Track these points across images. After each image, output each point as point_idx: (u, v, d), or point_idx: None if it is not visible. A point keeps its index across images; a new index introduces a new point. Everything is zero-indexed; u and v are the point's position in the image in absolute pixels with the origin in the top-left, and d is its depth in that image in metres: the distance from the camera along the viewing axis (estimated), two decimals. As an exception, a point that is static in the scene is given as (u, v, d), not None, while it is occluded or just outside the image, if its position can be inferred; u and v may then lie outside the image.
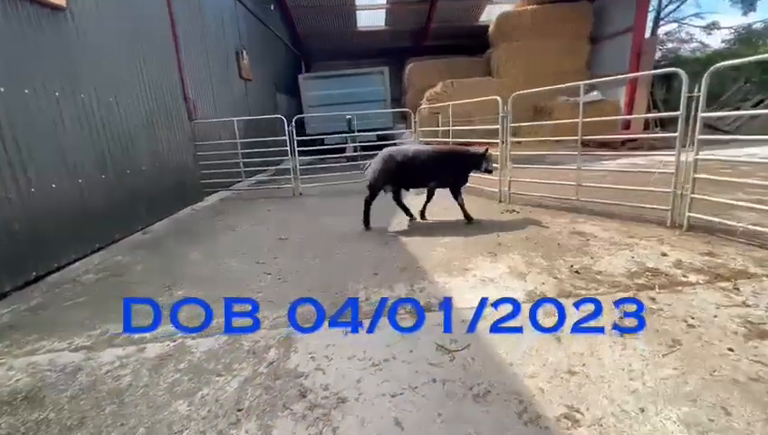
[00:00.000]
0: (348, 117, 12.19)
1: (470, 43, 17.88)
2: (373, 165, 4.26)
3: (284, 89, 13.60)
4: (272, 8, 12.47)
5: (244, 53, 9.68)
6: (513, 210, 4.63)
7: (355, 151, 11.99)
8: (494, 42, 15.49)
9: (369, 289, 2.75)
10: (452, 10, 16.62)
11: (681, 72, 3.35)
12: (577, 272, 2.77)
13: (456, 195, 4.34)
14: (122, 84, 4.91)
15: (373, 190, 4.32)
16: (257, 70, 11.08)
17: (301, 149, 6.75)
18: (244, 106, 9.64)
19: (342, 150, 11.71)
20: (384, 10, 16.24)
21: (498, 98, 5.01)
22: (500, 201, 5.14)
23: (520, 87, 15.13)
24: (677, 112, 3.38)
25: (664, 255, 2.96)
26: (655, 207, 3.72)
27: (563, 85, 4.75)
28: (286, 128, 6.56)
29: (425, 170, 4.25)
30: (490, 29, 15.64)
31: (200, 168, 6.89)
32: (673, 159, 3.50)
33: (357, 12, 16.21)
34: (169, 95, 6.05)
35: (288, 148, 6.65)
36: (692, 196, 3.40)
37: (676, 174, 3.48)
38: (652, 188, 3.89)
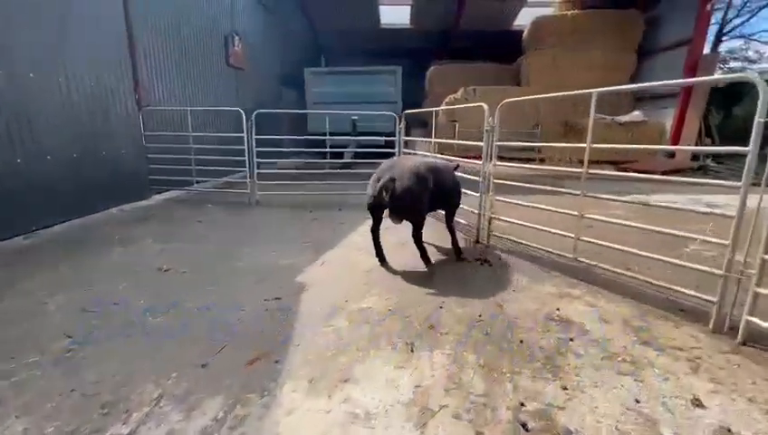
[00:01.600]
0: (353, 118, 11.22)
1: (500, 49, 16.43)
2: (408, 184, 2.87)
3: (295, 84, 12.70)
4: (282, -4, 11.63)
5: (237, 39, 8.83)
6: (486, 260, 3.35)
7: (352, 157, 10.96)
8: (527, 48, 14.01)
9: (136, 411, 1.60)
10: (483, 11, 15.26)
11: (756, 78, 2.01)
12: (525, 428, 1.50)
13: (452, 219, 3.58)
14: (25, 55, 4.04)
15: (420, 221, 3.11)
16: (257, 60, 10.24)
17: (261, 150, 5.72)
18: (230, 97, 8.78)
19: (340, 155, 10.68)
20: (409, 7, 15.11)
21: (484, 106, 3.75)
22: (476, 241, 3.87)
23: (552, 99, 13.46)
24: (747, 148, 2.03)
25: (696, 403, 1.64)
26: (692, 293, 2.35)
27: (586, 91, 3.38)
28: (244, 123, 5.54)
29: (448, 190, 3.42)
30: (524, 34, 14.18)
31: (149, 161, 6.02)
32: (729, 212, 2.15)
33: (380, 7, 15.17)
34: (110, 75, 5.18)
35: (245, 147, 5.63)
36: (757, 289, 2.04)
37: (733, 245, 2.12)
38: (692, 249, 2.51)
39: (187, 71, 7.09)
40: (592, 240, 2.91)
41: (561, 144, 11.46)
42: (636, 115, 11.77)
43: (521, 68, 14.30)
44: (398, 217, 2.92)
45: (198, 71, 7.49)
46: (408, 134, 15.45)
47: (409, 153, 5.89)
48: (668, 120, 11.61)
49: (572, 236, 2.98)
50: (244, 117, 5.54)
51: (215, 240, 3.97)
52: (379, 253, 3.26)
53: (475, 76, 15.17)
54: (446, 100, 13.64)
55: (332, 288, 2.80)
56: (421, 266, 3.17)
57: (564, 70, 13.24)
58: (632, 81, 13.15)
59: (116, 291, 2.72)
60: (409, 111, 5.66)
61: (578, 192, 2.96)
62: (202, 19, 7.53)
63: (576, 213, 2.97)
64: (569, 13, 13.04)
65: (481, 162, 3.80)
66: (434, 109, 4.70)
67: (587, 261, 2.92)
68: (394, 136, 6.22)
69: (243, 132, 5.59)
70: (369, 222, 3.37)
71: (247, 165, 5.71)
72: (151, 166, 6.03)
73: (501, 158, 3.74)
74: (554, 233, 3.19)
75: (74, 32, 4.61)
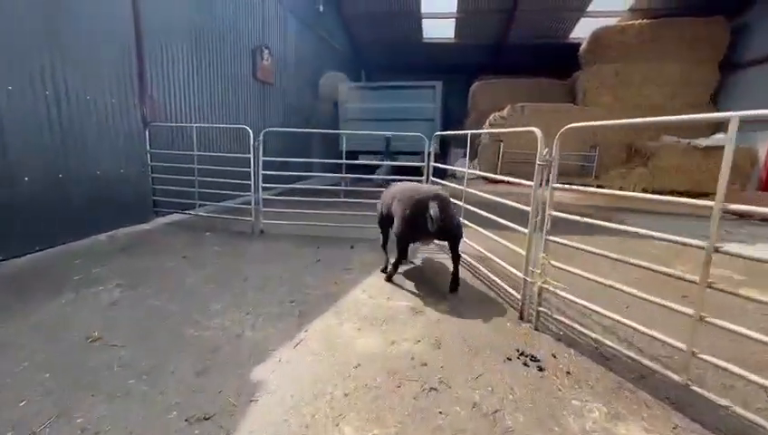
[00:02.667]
0: (387, 136, 10.45)
1: (553, 64, 15.10)
2: (449, 206, 3.19)
3: (332, 99, 12.21)
4: (320, 9, 11.25)
5: (266, 53, 8.41)
6: (532, 356, 2.27)
7: (386, 175, 10.15)
8: (585, 62, 12.61)
9: None
10: (536, 23, 14.07)
11: None
12: None
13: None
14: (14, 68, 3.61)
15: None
16: (288, 75, 9.82)
17: (267, 173, 5.01)
18: (255, 112, 8.31)
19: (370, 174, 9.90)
20: (453, 20, 14.28)
21: (537, 133, 2.72)
22: (520, 318, 2.79)
23: (612, 119, 11.95)
24: None
25: None
26: None
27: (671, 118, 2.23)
28: (251, 142, 4.87)
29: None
30: (582, 47, 12.82)
31: (154, 181, 5.53)
32: None
33: (423, 20, 14.48)
34: (109, 88, 4.74)
35: (251, 169, 4.95)
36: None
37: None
38: None
39: (208, 84, 6.66)
40: (718, 362, 1.75)
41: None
42: (718, 139, 9.98)
43: (576, 84, 12.88)
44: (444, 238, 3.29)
45: (222, 85, 7.06)
46: (445, 155, 14.56)
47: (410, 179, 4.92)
48: (762, 145, 9.69)
49: (683, 347, 1.83)
50: (251, 135, 4.88)
51: (185, 289, 3.21)
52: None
53: (523, 93, 13.95)
54: (490, 118, 12.54)
55: (294, 400, 1.87)
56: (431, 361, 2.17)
57: (629, 86, 11.68)
58: (713, 99, 11.33)
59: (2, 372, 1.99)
60: (442, 132, 4.71)
61: (693, 241, 1.80)
62: (228, 31, 7.13)
63: (693, 280, 1.84)
64: (636, 22, 11.53)
65: (531, 186, 2.73)
66: (468, 132, 3.72)
67: (715, 399, 1.75)
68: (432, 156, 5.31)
69: (250, 153, 4.92)
70: (380, 272, 3.53)
71: (252, 189, 5.02)
72: (157, 187, 5.54)
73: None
74: (648, 332, 2.04)
75: (66, 41, 4.19)
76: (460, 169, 4.29)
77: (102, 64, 4.61)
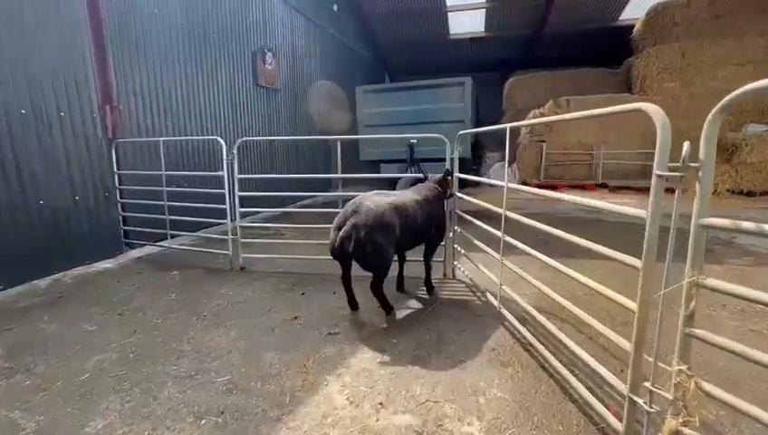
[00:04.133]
0: (410, 142, 9.25)
1: (600, 51, 13.32)
2: (370, 233, 2.55)
3: (351, 105, 11.20)
4: (334, 8, 10.32)
5: (269, 56, 7.52)
6: None
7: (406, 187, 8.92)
8: (641, 45, 10.83)
9: None
10: (579, 5, 12.40)
11: None
12: None
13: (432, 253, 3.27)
14: None
15: (382, 272, 2.74)
16: (299, 80, 8.91)
17: (243, 194, 3.95)
18: (260, 122, 7.41)
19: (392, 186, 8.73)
20: (483, 11, 12.91)
21: (654, 110, 1.37)
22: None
23: (679, 109, 10.11)
24: None
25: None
26: None
27: None
28: (224, 157, 3.85)
29: (425, 227, 3.03)
30: (636, 28, 11.06)
31: (127, 208, 4.67)
32: None
33: (448, 14, 13.23)
34: (60, 100, 3.91)
35: (225, 190, 3.92)
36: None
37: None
38: None
39: (198, 93, 5.80)
40: None
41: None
42: (830, 125, 7.92)
43: (631, 71, 11.06)
44: (362, 267, 2.69)
45: (216, 92, 6.19)
46: (480, 158, 13.07)
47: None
48: None
49: None
50: (223, 148, 3.85)
51: (74, 381, 2.15)
52: (351, 300, 2.95)
53: (565, 86, 12.27)
54: (530, 116, 11.00)
55: None
56: None
57: (699, 67, 9.76)
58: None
59: None
60: (467, 130, 3.42)
61: None
62: (222, 32, 6.27)
63: None
64: (707, -8, 9.65)
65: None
66: (506, 125, 2.45)
67: None
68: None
69: (223, 170, 3.89)
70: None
71: (228, 215, 3.98)
72: (129, 214, 4.67)
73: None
74: None
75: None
76: (495, 180, 3.00)
77: (44, 71, 3.77)
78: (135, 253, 4.66)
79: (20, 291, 3.50)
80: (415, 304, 3.12)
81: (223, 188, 3.93)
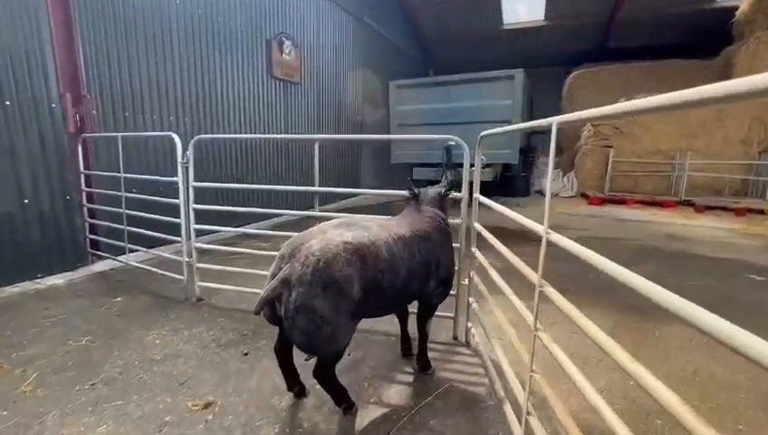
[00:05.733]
0: (448, 144, 8.07)
1: (688, 41, 11.15)
2: (317, 292, 1.55)
3: (384, 102, 10.18)
4: (368, -6, 9.37)
5: (287, 44, 6.74)
6: None
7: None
8: (746, 30, 8.72)
9: None
10: (664, -14, 10.38)
11: None
12: None
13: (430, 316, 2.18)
14: None
15: (327, 356, 1.72)
16: (328, 73, 8.08)
17: (198, 207, 3.09)
18: (271, 118, 6.65)
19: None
20: (543, -4, 11.28)
21: None
22: None
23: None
24: None
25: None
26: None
27: None
28: (179, 156, 3.01)
29: (413, 278, 1.90)
30: (741, 9, 8.97)
31: (97, 214, 4.05)
32: None
33: (502, 2, 11.75)
34: (4, 87, 3.32)
35: (180, 198, 3.09)
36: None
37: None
38: None
39: (194, 82, 5.12)
40: None
41: None
42: None
43: (732, 61, 8.91)
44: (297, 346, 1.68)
45: (219, 83, 5.49)
46: (530, 165, 11.43)
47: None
48: None
49: None
50: (178, 147, 3.02)
51: None
52: (291, 381, 1.92)
53: (644, 80, 10.37)
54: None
55: None
56: None
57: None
58: None
59: None
60: (489, 131, 2.24)
61: None
62: (224, 12, 5.55)
63: None
64: None
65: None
66: (552, 119, 1.34)
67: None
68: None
69: (177, 175, 3.06)
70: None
71: (183, 233, 3.14)
72: (99, 221, 4.04)
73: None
74: None
75: None
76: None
77: (-15, 50, 3.19)
78: (98, 266, 4.02)
79: (-67, 313, 2.92)
80: (399, 392, 2.03)
81: (177, 198, 3.11)
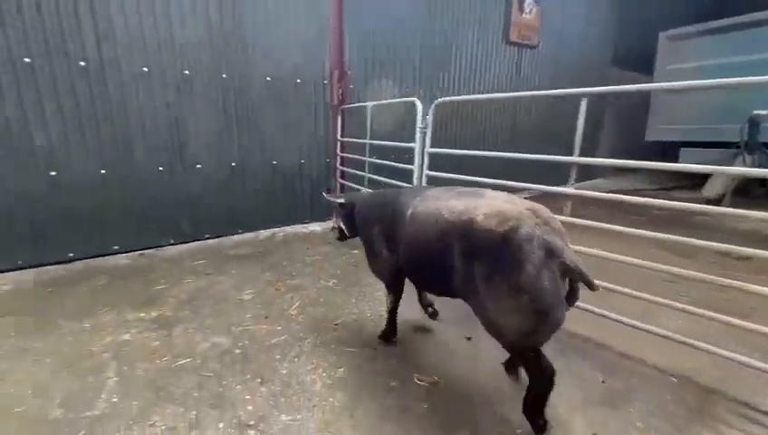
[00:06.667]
0: (753, 114, 5.70)
1: None
2: None
3: (645, 63, 7.98)
4: None
5: (528, 1, 5.99)
6: None
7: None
8: None
9: None
10: None
11: None
12: None
13: None
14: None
15: None
16: (572, 31, 6.88)
17: (431, 174, 3.00)
18: (505, 88, 6.15)
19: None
20: None
21: None
22: None
23: None
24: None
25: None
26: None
27: None
28: (418, 121, 3.00)
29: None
30: None
31: (343, 176, 4.74)
32: None
33: None
34: (298, 65, 4.13)
35: (415, 163, 3.10)
36: None
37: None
38: None
39: (432, 53, 5.19)
40: None
41: None
42: None
43: None
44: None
45: (451, 52, 5.41)
46: None
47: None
48: None
49: None
50: (419, 110, 3.01)
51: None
52: None
53: None
54: None
55: None
56: None
57: None
58: None
59: None
60: None
61: None
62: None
63: None
64: None
65: None
66: None
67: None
68: None
69: (415, 141, 3.08)
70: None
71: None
72: (345, 182, 4.72)
73: None
74: None
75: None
76: None
77: (288, 39, 4.00)
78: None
79: (241, 239, 4.03)
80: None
81: (412, 164, 3.14)
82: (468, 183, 2.14)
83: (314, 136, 4.43)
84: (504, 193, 1.49)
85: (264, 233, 4.20)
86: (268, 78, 3.98)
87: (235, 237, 4.04)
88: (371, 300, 2.64)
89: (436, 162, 3.01)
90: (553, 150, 2.43)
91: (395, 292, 2.03)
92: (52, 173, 3.09)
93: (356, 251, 3.58)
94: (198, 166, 3.77)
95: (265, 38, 3.87)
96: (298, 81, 4.17)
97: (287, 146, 4.27)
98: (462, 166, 2.78)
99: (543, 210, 1.35)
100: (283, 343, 2.12)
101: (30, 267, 3.09)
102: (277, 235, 4.18)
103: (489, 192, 1.51)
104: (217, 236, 3.98)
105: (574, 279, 1.29)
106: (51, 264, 3.17)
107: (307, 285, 2.86)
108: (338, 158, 4.64)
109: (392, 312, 2.07)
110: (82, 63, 3.06)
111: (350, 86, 4.56)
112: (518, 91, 6.32)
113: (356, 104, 4.47)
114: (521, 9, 5.95)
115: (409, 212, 1.67)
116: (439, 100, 2.89)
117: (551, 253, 1.22)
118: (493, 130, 6.16)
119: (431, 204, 1.59)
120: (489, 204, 1.38)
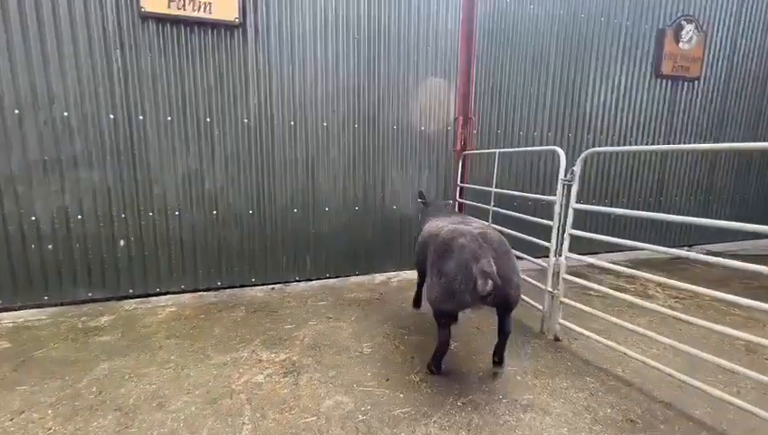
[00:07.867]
0: None
1: None
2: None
3: None
4: None
5: (687, 29, 5.17)
6: None
7: None
8: None
9: None
10: None
11: None
12: None
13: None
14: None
15: None
16: (746, 62, 5.75)
17: (574, 232, 2.59)
18: (651, 130, 5.34)
19: None
20: None
21: None
22: None
23: None
24: None
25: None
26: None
27: None
28: (561, 173, 2.68)
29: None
30: None
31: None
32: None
33: None
34: (423, 112, 4.20)
35: (554, 220, 2.75)
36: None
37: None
38: None
39: (567, 93, 4.80)
40: None
41: None
42: None
43: None
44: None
45: (587, 93, 4.92)
46: None
47: None
48: None
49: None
50: (562, 160, 2.69)
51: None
52: None
53: None
54: None
55: None
56: None
57: None
58: None
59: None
60: None
61: None
62: (608, 9, 4.82)
63: None
64: None
65: None
66: None
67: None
68: None
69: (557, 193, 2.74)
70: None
71: (551, 259, 2.79)
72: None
73: None
74: None
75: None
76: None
77: (416, 87, 4.11)
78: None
79: (358, 281, 4.08)
80: None
81: (551, 220, 2.79)
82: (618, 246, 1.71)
83: (435, 182, 4.38)
84: (479, 221, 2.70)
85: (378, 277, 4.21)
86: (395, 127, 4.11)
87: (353, 279, 4.13)
88: (509, 384, 2.31)
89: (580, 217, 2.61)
90: (715, 208, 1.86)
91: None
92: (214, 212, 3.61)
93: (473, 316, 3.29)
94: (327, 209, 4.01)
95: (395, 88, 4.03)
96: (422, 128, 4.21)
97: (407, 191, 4.29)
98: (602, 224, 2.33)
99: (493, 234, 2.20)
100: (406, 417, 1.94)
101: (189, 292, 3.59)
102: (392, 280, 4.14)
103: (469, 219, 2.79)
104: (336, 277, 4.12)
105: (492, 279, 1.91)
106: (204, 290, 3.65)
107: (426, 346, 2.67)
108: (456, 203, 4.49)
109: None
110: (246, 121, 3.58)
111: (474, 131, 4.44)
112: (671, 133, 5.44)
113: (483, 151, 4.31)
114: (677, 39, 5.15)
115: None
116: (590, 150, 2.53)
117: (475, 259, 1.98)
118: (637, 182, 5.30)
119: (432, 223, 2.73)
120: (454, 227, 2.30)
